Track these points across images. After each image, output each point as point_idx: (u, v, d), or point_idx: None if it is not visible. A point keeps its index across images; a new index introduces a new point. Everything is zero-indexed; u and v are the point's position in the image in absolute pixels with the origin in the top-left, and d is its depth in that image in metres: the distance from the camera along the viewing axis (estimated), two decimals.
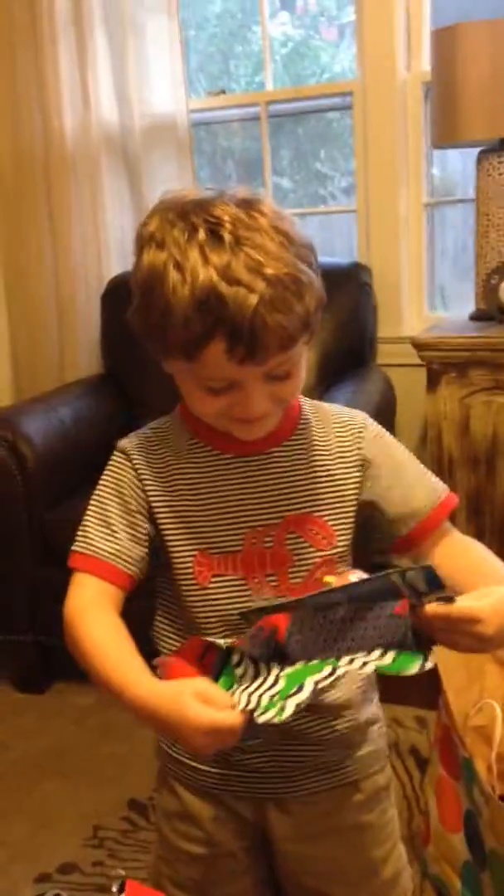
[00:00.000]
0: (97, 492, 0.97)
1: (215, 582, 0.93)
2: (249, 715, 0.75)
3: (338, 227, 3.05)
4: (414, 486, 0.98)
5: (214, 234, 0.80)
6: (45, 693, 2.27)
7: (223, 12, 3.68)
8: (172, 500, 0.94)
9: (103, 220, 2.70)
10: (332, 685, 0.78)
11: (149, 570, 0.97)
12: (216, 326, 0.79)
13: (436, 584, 0.79)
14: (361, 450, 0.97)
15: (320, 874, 1.03)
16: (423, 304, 2.70)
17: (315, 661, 0.79)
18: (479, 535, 2.19)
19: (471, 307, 2.34)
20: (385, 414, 2.38)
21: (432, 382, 2.17)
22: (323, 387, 2.28)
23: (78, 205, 2.71)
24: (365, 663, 0.78)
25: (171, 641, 1.00)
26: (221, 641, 0.83)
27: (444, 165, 3.15)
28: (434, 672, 1.38)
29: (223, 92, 2.96)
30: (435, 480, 1.00)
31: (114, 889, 0.72)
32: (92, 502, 0.96)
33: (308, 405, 1.00)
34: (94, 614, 0.91)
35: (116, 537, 0.94)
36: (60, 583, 1.48)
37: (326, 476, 0.96)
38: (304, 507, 0.95)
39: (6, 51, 2.69)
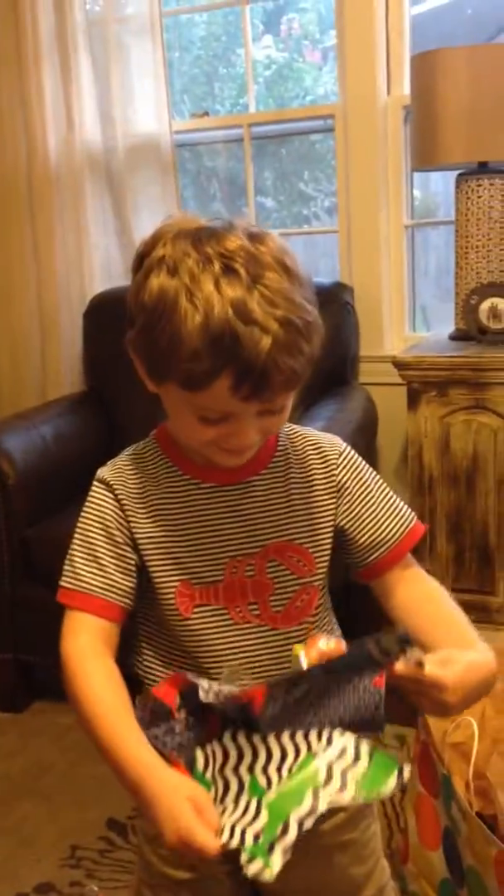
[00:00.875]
0: (81, 524, 0.95)
1: (198, 612, 0.94)
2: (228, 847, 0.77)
3: (321, 246, 3.08)
4: (384, 514, 0.99)
5: (229, 268, 0.79)
6: (25, 712, 2.26)
7: (207, 35, 3.72)
8: (154, 530, 0.93)
9: (86, 240, 2.72)
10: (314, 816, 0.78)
11: (135, 600, 0.97)
12: (227, 364, 0.78)
13: (407, 643, 0.80)
14: (336, 476, 0.98)
15: (303, 893, 1.02)
16: (405, 323, 2.72)
17: (293, 782, 0.80)
18: (460, 553, 2.22)
19: (452, 327, 2.37)
20: (367, 432, 2.40)
21: (413, 401, 2.19)
22: (305, 405, 2.30)
23: (61, 224, 2.72)
24: (344, 777, 0.79)
25: (155, 669, 0.99)
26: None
27: (426, 187, 3.19)
28: None
29: (206, 114, 2.99)
30: (404, 508, 1.01)
31: None
32: (77, 535, 0.95)
33: (283, 431, 0.99)
34: (92, 665, 0.90)
35: (106, 571, 0.93)
36: (40, 600, 1.50)
37: (304, 503, 0.96)
38: (284, 535, 0.95)
39: None
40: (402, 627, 0.82)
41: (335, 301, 2.50)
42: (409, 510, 1.01)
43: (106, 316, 2.68)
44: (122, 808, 1.78)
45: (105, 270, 2.77)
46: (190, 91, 3.61)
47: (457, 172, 2.28)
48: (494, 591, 2.20)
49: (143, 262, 0.85)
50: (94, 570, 0.93)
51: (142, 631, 1.01)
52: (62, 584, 0.95)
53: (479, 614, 2.23)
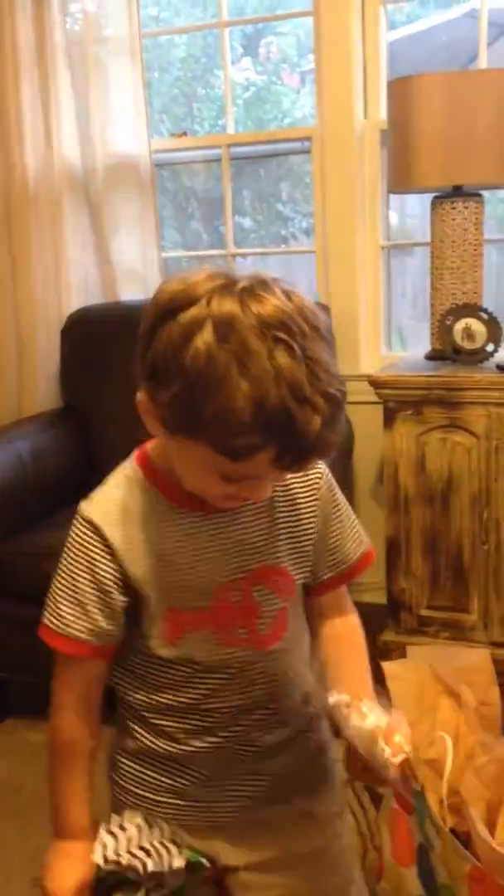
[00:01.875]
0: (66, 564, 0.95)
1: (186, 638, 0.95)
2: None
3: (299, 266, 3.11)
4: (347, 536, 1.02)
5: (279, 339, 0.76)
6: None
7: (187, 56, 3.76)
8: (143, 562, 0.93)
9: (64, 257, 2.72)
10: None
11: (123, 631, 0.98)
12: (276, 440, 0.77)
13: None
14: (318, 499, 0.99)
15: None
16: (381, 343, 2.75)
17: None
18: (435, 571, 2.23)
19: (428, 347, 2.40)
20: (342, 451, 2.41)
21: (389, 420, 2.21)
22: None
23: (39, 241, 2.72)
24: None
25: (134, 695, 1.00)
26: None
27: (402, 210, 3.24)
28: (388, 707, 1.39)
29: (185, 134, 3.01)
30: (362, 533, 1.04)
31: None
32: (62, 575, 0.95)
33: None
34: (74, 718, 0.98)
35: (91, 617, 0.93)
36: (13, 617, 1.49)
37: (287, 526, 0.98)
38: (269, 559, 0.96)
39: None
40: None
41: None
42: (365, 535, 1.05)
43: (83, 333, 2.69)
44: (93, 829, 1.77)
45: (83, 288, 2.77)
46: (169, 111, 3.64)
47: (432, 195, 2.31)
48: (469, 608, 2.22)
49: (175, 314, 0.79)
50: (80, 616, 0.94)
51: (120, 656, 1.00)
52: (46, 623, 0.95)
53: (454, 632, 2.24)
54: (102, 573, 0.93)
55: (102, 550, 0.93)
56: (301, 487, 0.99)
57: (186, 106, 3.76)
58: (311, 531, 0.99)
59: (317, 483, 1.00)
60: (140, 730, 1.01)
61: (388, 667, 1.32)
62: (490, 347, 2.21)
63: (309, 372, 0.77)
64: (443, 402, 2.15)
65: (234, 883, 1.04)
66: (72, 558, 0.94)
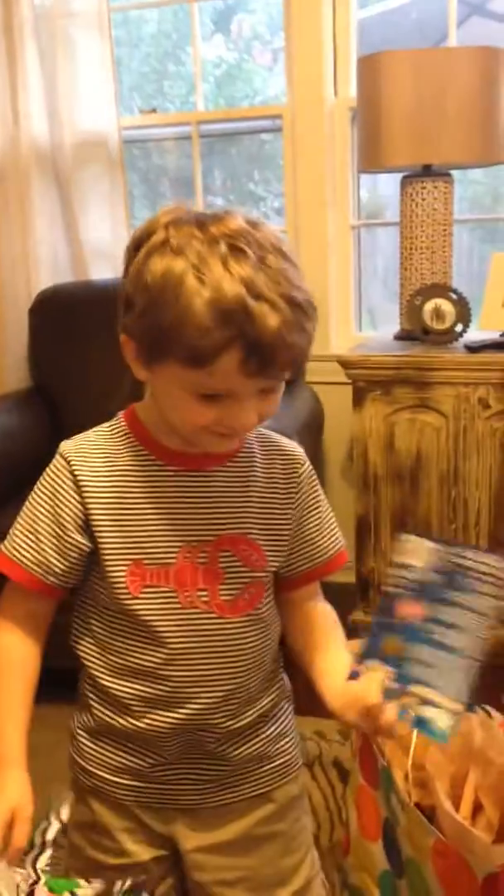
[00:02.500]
0: (33, 494, 0.97)
1: (146, 592, 0.94)
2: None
3: None
4: (324, 531, 1.03)
5: (235, 247, 0.80)
6: None
7: (158, 32, 3.71)
8: (110, 507, 0.93)
9: (32, 235, 2.69)
10: None
11: (80, 577, 0.98)
12: (236, 339, 0.79)
13: None
14: (295, 484, 1.00)
15: (231, 883, 1.04)
16: (351, 323, 2.75)
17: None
18: None
19: (396, 330, 2.40)
20: (313, 430, 2.42)
21: (358, 400, 2.22)
22: None
23: (6, 219, 2.69)
24: None
25: (91, 654, 1.00)
26: None
27: (374, 189, 3.23)
28: None
29: (155, 111, 2.98)
30: (338, 533, 1.05)
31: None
32: (27, 504, 0.97)
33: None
34: (13, 639, 0.97)
35: (42, 549, 0.94)
36: None
37: (263, 501, 0.98)
38: (239, 528, 0.96)
39: None
40: None
41: None
42: (340, 535, 1.06)
43: (52, 312, 2.66)
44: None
45: (51, 266, 2.74)
46: (139, 88, 3.60)
47: (401, 175, 2.31)
48: None
49: (139, 247, 0.85)
50: (31, 545, 0.95)
51: (80, 612, 1.01)
52: (1, 547, 0.97)
53: None
54: (64, 508, 0.94)
55: (68, 485, 0.94)
56: (281, 468, 1.00)
57: (157, 83, 3.72)
58: (287, 513, 0.99)
59: (296, 465, 1.01)
60: (98, 702, 1.00)
61: (354, 645, 1.33)
62: (459, 328, 2.22)
63: (267, 277, 0.80)
64: (412, 383, 2.15)
65: (191, 863, 1.04)
66: (39, 490, 0.96)
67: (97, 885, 0.90)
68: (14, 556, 0.95)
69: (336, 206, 2.65)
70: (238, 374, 0.82)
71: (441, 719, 0.84)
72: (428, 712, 0.85)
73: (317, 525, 1.03)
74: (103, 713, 1.00)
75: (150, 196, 3.50)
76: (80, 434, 0.99)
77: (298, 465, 1.01)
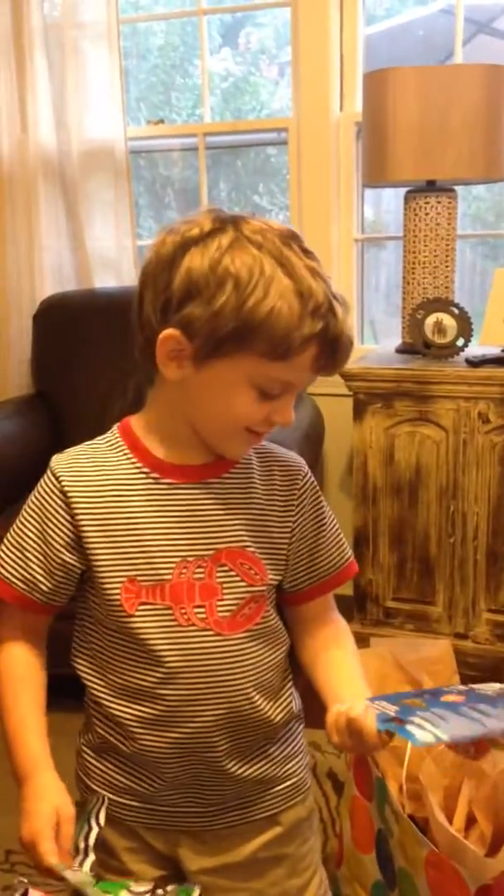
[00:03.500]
0: (23, 510, 0.96)
1: (142, 610, 0.92)
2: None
3: None
4: (328, 544, 1.01)
5: (302, 247, 0.86)
6: None
7: (165, 45, 3.74)
8: (104, 523, 0.92)
9: (38, 243, 2.71)
10: None
11: (70, 595, 0.97)
12: (321, 333, 0.84)
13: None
14: (296, 495, 0.98)
15: None
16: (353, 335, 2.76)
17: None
18: (401, 563, 2.25)
19: (398, 343, 2.41)
20: (313, 442, 2.43)
21: (359, 412, 2.22)
22: None
23: (12, 226, 2.71)
24: None
25: (90, 674, 0.98)
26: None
27: (378, 205, 3.25)
28: None
29: (162, 121, 3.00)
30: (345, 545, 1.03)
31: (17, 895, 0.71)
32: (17, 520, 0.96)
33: None
34: (11, 652, 0.97)
35: (29, 568, 0.94)
36: None
37: (261, 513, 0.96)
38: (237, 542, 0.94)
39: None
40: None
41: None
42: (348, 547, 1.04)
43: (55, 319, 2.67)
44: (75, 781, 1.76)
45: (56, 274, 2.76)
46: (146, 99, 3.62)
47: (405, 189, 2.32)
48: (434, 601, 2.24)
49: (196, 242, 0.85)
50: (18, 563, 0.94)
51: (79, 629, 1.00)
52: None
53: (419, 623, 2.27)
54: (52, 527, 0.93)
55: (58, 503, 0.93)
56: (281, 480, 0.98)
57: (164, 95, 3.75)
58: (286, 525, 0.97)
59: (296, 476, 0.99)
60: (99, 721, 0.99)
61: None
62: (460, 342, 2.23)
63: (326, 282, 0.86)
64: (412, 396, 2.16)
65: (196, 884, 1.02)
66: (29, 506, 0.95)
67: (146, 884, 0.86)
68: (3, 574, 0.95)
69: (340, 219, 2.67)
70: (309, 368, 0.86)
71: (423, 735, 0.79)
72: (412, 727, 0.80)
73: (321, 537, 1.00)
74: (105, 732, 0.98)
75: (154, 206, 3.52)
76: (73, 448, 0.97)
77: (299, 476, 0.99)
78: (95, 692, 0.97)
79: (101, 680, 0.97)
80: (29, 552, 0.93)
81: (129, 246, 2.74)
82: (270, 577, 0.97)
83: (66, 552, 0.93)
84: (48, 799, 0.89)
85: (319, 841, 1.12)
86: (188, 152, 3.13)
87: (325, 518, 1.01)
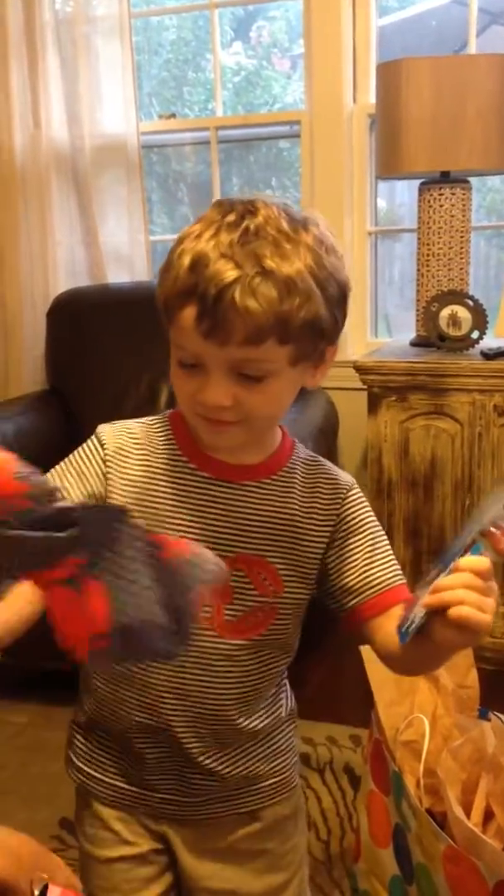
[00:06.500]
0: (61, 465, 0.95)
1: None
2: None
3: None
4: (377, 562, 0.95)
5: (242, 218, 0.81)
6: None
7: (178, 39, 3.73)
8: (133, 503, 0.91)
9: (51, 238, 2.71)
10: None
11: None
12: (194, 290, 0.80)
13: None
14: (339, 510, 0.95)
15: (215, 892, 1.01)
16: (367, 329, 2.75)
17: None
18: (417, 557, 2.24)
19: (412, 336, 2.40)
20: (328, 436, 2.42)
21: (373, 406, 2.21)
22: None
23: (25, 222, 2.71)
24: None
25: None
26: None
27: (391, 197, 3.23)
28: (369, 688, 1.41)
29: (174, 116, 3.00)
30: (394, 567, 0.96)
31: (36, 892, 0.71)
32: (52, 472, 0.94)
33: (303, 453, 0.97)
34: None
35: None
36: None
37: (293, 527, 0.93)
38: (258, 550, 0.92)
39: None
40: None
41: None
42: (398, 570, 0.96)
43: (69, 315, 2.67)
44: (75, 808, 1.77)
45: (69, 269, 2.76)
46: (158, 94, 3.61)
47: (420, 181, 2.31)
48: None
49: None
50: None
51: None
52: None
53: None
54: (90, 481, 0.92)
55: (95, 470, 0.93)
56: (325, 494, 0.95)
57: (176, 89, 3.74)
58: (321, 542, 0.94)
59: (342, 494, 0.95)
60: (89, 697, 0.99)
61: (366, 650, 1.33)
62: (475, 335, 2.22)
63: (256, 247, 0.79)
64: (427, 389, 2.15)
65: (182, 866, 1.01)
66: (68, 462, 0.95)
67: None
68: None
69: (353, 212, 2.66)
70: (195, 332, 0.81)
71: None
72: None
73: (364, 559, 0.94)
74: (93, 709, 0.98)
75: (167, 201, 3.51)
76: (123, 422, 0.97)
77: (344, 491, 0.95)
78: (90, 671, 0.98)
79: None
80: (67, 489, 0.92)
81: (142, 241, 2.73)
82: (289, 590, 0.94)
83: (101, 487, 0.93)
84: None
85: (305, 842, 1.10)
86: (200, 147, 3.13)
87: (374, 536, 0.96)
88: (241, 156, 3.32)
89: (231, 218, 0.81)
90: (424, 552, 2.23)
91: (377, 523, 0.98)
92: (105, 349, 2.60)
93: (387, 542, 0.97)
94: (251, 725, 0.97)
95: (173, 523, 0.91)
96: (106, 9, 2.61)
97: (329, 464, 0.99)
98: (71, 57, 2.64)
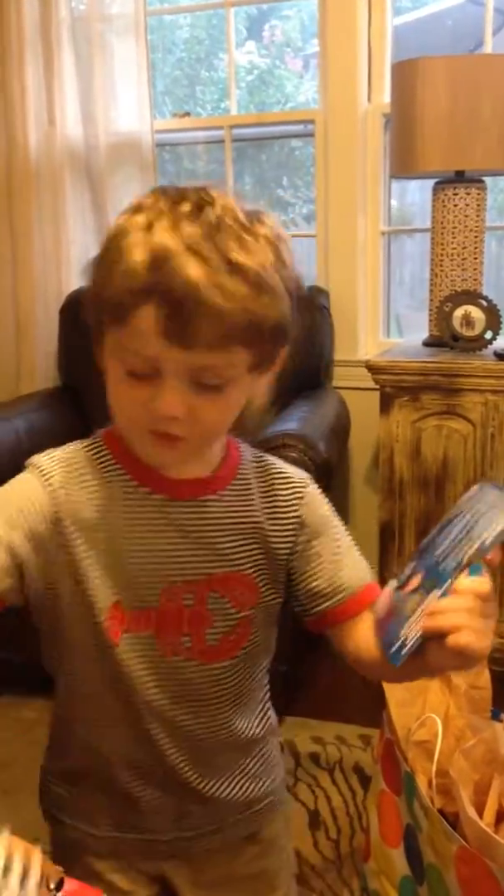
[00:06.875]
0: None
1: (125, 640, 0.83)
2: None
3: (299, 252, 3.09)
4: (345, 563, 0.90)
5: (200, 209, 0.73)
6: None
7: (191, 38, 3.73)
8: (90, 540, 0.82)
9: (65, 235, 2.71)
10: None
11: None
12: (155, 289, 0.71)
13: None
14: (299, 512, 0.89)
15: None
16: (379, 328, 2.74)
17: None
18: None
19: (425, 336, 2.39)
20: (339, 435, 2.42)
21: (385, 405, 2.21)
22: (278, 406, 2.31)
23: (39, 219, 2.71)
24: None
25: (62, 699, 0.93)
26: None
27: (402, 197, 3.22)
28: (379, 688, 1.40)
29: (188, 114, 3.00)
30: (365, 564, 0.92)
31: (51, 886, 0.70)
32: None
33: (249, 454, 0.91)
34: None
35: None
36: None
37: (259, 533, 0.88)
38: (232, 566, 0.86)
39: None
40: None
41: (311, 305, 2.52)
42: (368, 566, 0.93)
43: (82, 312, 2.68)
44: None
45: (83, 267, 2.76)
46: (171, 93, 3.62)
47: (434, 181, 2.31)
48: None
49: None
50: None
51: (49, 647, 0.91)
52: None
53: None
54: (23, 520, 0.80)
55: (42, 497, 0.81)
56: (283, 495, 0.89)
57: (189, 88, 3.74)
58: (287, 544, 0.89)
59: (301, 495, 0.90)
60: (74, 745, 0.93)
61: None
62: (489, 335, 2.21)
63: (220, 241, 0.72)
64: (440, 389, 2.15)
65: None
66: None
67: None
68: None
69: (367, 211, 2.65)
70: (157, 335, 0.72)
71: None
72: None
73: (331, 561, 0.89)
74: (78, 759, 0.93)
75: None
76: (56, 451, 0.86)
77: (300, 493, 0.90)
78: (67, 717, 0.93)
79: (69, 703, 0.92)
80: None
81: None
82: (264, 599, 0.89)
83: (26, 551, 0.81)
84: None
85: (292, 847, 1.08)
86: (213, 146, 3.13)
87: (338, 535, 0.91)
88: (253, 155, 3.32)
89: (186, 207, 0.73)
90: None
91: (337, 519, 0.92)
92: None
93: (348, 537, 0.92)
94: (248, 734, 0.94)
95: (138, 557, 0.83)
96: (121, 7, 2.61)
97: (277, 461, 0.93)
98: (86, 55, 2.64)
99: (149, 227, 0.72)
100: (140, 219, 0.74)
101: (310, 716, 2.06)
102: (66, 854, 0.96)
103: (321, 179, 2.68)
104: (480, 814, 1.24)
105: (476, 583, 0.72)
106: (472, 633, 0.70)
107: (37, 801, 1.01)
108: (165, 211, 0.73)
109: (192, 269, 0.70)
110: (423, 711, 1.41)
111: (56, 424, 2.51)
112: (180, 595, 0.84)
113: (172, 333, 0.72)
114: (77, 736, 0.92)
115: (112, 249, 0.74)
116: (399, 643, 0.73)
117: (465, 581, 0.72)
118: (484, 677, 1.47)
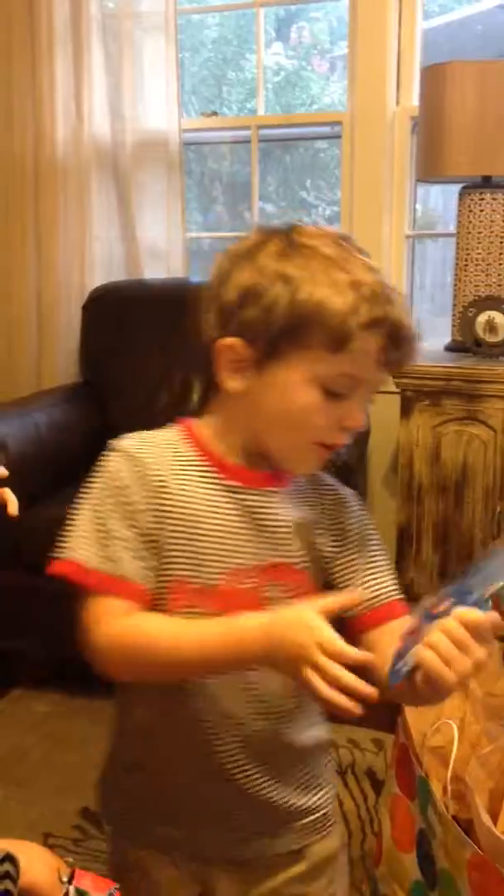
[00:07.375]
0: (94, 497, 0.88)
1: (185, 615, 0.87)
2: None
3: None
4: (378, 575, 0.94)
5: (357, 247, 0.86)
6: (3, 699, 2.25)
7: (219, 38, 3.74)
8: (164, 516, 0.87)
9: (89, 232, 2.72)
10: None
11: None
12: (382, 321, 0.82)
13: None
14: (344, 522, 0.94)
15: None
16: None
17: None
18: (445, 562, 2.23)
19: (447, 342, 2.39)
20: (358, 438, 2.40)
21: (406, 410, 2.20)
22: None
23: (64, 215, 2.73)
24: None
25: (135, 694, 0.95)
26: None
27: (425, 202, 3.21)
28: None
29: (215, 114, 3.00)
30: (395, 582, 0.95)
31: (63, 879, 0.71)
32: (88, 509, 0.88)
33: None
34: (137, 620, 0.85)
35: (127, 554, 0.86)
36: (26, 588, 1.43)
37: (308, 533, 0.92)
38: (291, 557, 0.91)
39: (2, 58, 2.71)
40: None
41: None
42: (395, 585, 0.95)
43: (105, 309, 2.69)
44: (96, 798, 1.78)
45: (106, 264, 2.78)
46: (198, 92, 3.62)
47: (460, 186, 2.30)
48: None
49: (249, 256, 0.85)
50: (120, 553, 0.85)
51: None
52: (71, 556, 0.86)
53: None
54: (135, 503, 0.86)
55: (138, 481, 0.86)
56: (330, 504, 0.95)
57: (215, 88, 3.75)
58: (331, 551, 0.93)
59: (345, 504, 0.95)
60: (131, 733, 0.96)
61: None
62: None
63: (382, 275, 0.86)
64: (461, 394, 2.14)
65: None
66: (100, 490, 0.87)
67: None
68: (110, 571, 0.85)
69: (392, 214, 2.65)
70: (375, 360, 0.83)
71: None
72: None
73: (365, 571, 0.93)
74: (136, 747, 0.96)
75: (202, 200, 3.52)
76: (140, 434, 0.91)
77: (346, 504, 0.95)
78: (128, 702, 0.95)
79: (137, 690, 0.93)
80: (117, 537, 0.85)
81: (180, 238, 2.74)
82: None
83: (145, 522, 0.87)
84: (305, 613, 0.76)
85: (346, 883, 1.06)
86: (238, 146, 3.13)
87: (375, 549, 0.95)
88: (277, 156, 3.32)
89: (349, 248, 0.85)
90: (453, 558, 2.22)
91: (379, 536, 0.97)
92: (139, 343, 2.61)
93: (386, 555, 0.96)
94: (304, 739, 0.95)
95: (214, 541, 0.87)
96: (151, 5, 2.62)
97: (325, 475, 0.97)
98: (115, 52, 2.65)
99: (343, 267, 0.82)
100: (321, 257, 0.83)
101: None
102: (117, 845, 1.02)
103: (347, 181, 2.68)
104: (495, 821, 1.23)
105: (467, 611, 0.73)
106: (437, 656, 0.72)
107: (47, 793, 1.00)
108: (340, 250, 0.84)
109: (398, 304, 0.84)
110: (439, 717, 1.40)
111: (76, 419, 2.52)
112: (242, 578, 0.88)
113: (392, 361, 0.84)
114: (136, 723, 0.95)
115: (313, 283, 0.82)
116: (402, 663, 0.75)
117: (460, 609, 0.74)
118: (501, 684, 1.46)
